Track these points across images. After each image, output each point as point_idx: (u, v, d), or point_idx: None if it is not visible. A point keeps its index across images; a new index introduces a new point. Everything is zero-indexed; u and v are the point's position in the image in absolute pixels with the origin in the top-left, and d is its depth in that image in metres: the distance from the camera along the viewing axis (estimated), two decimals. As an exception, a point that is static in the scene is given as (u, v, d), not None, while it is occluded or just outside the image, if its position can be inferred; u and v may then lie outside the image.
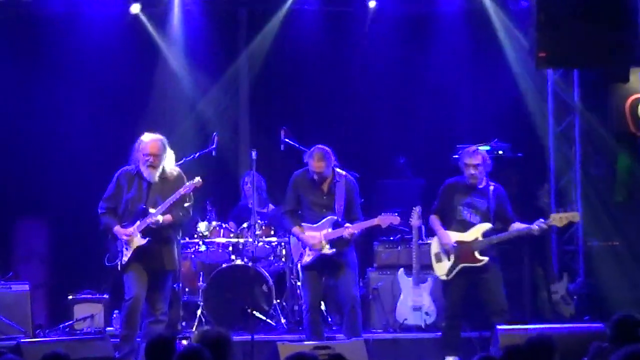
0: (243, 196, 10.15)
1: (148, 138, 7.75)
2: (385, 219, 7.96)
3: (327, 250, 7.90)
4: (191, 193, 7.79)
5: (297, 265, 8.36)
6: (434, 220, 8.34)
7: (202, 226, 9.66)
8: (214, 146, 9.35)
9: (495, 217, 8.21)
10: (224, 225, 9.71)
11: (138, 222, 7.69)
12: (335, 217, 8.00)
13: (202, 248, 9.62)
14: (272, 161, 9.93)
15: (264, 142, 10.08)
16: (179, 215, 7.76)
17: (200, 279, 9.60)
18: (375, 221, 7.95)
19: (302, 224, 8.01)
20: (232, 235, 9.63)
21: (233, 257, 9.54)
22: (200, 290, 9.40)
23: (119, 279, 7.96)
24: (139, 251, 7.72)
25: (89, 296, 9.43)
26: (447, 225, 8.28)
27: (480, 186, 8.25)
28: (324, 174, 7.90)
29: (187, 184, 7.65)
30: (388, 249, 9.63)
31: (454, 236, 8.21)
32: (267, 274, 9.25)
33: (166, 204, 7.60)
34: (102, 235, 7.98)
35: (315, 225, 8.00)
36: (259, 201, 9.49)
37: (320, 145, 8.03)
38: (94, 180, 8.62)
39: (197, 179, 7.70)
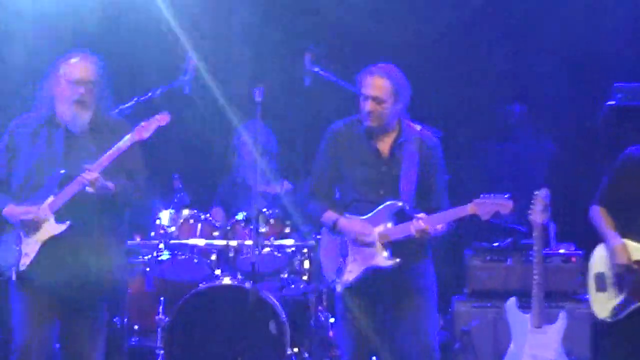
0: (236, 163, 8.61)
1: (77, 59, 6.39)
2: (488, 206, 6.13)
3: (384, 259, 6.14)
4: (139, 156, 6.20)
5: (331, 287, 6.68)
6: (599, 215, 6.73)
7: (164, 217, 7.97)
8: (187, 77, 7.75)
9: None
10: (203, 217, 8.09)
11: (52, 197, 6.09)
12: (400, 204, 6.24)
13: (165, 255, 7.92)
14: (289, 105, 8.70)
15: (275, 73, 8.74)
16: (123, 188, 6.21)
17: (161, 308, 7.94)
18: (467, 209, 6.18)
19: (345, 215, 6.44)
20: (216, 233, 8.04)
21: (218, 271, 7.94)
22: (159, 328, 7.81)
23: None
24: (50, 249, 6.07)
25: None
26: (622, 231, 6.58)
27: None
28: (384, 111, 6.18)
29: (142, 123, 6.18)
30: (489, 263, 8.12)
31: (636, 251, 6.46)
32: (277, 303, 7.69)
33: (106, 159, 6.14)
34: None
35: (365, 217, 6.31)
36: (263, 174, 8.11)
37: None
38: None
39: (161, 115, 6.14)
